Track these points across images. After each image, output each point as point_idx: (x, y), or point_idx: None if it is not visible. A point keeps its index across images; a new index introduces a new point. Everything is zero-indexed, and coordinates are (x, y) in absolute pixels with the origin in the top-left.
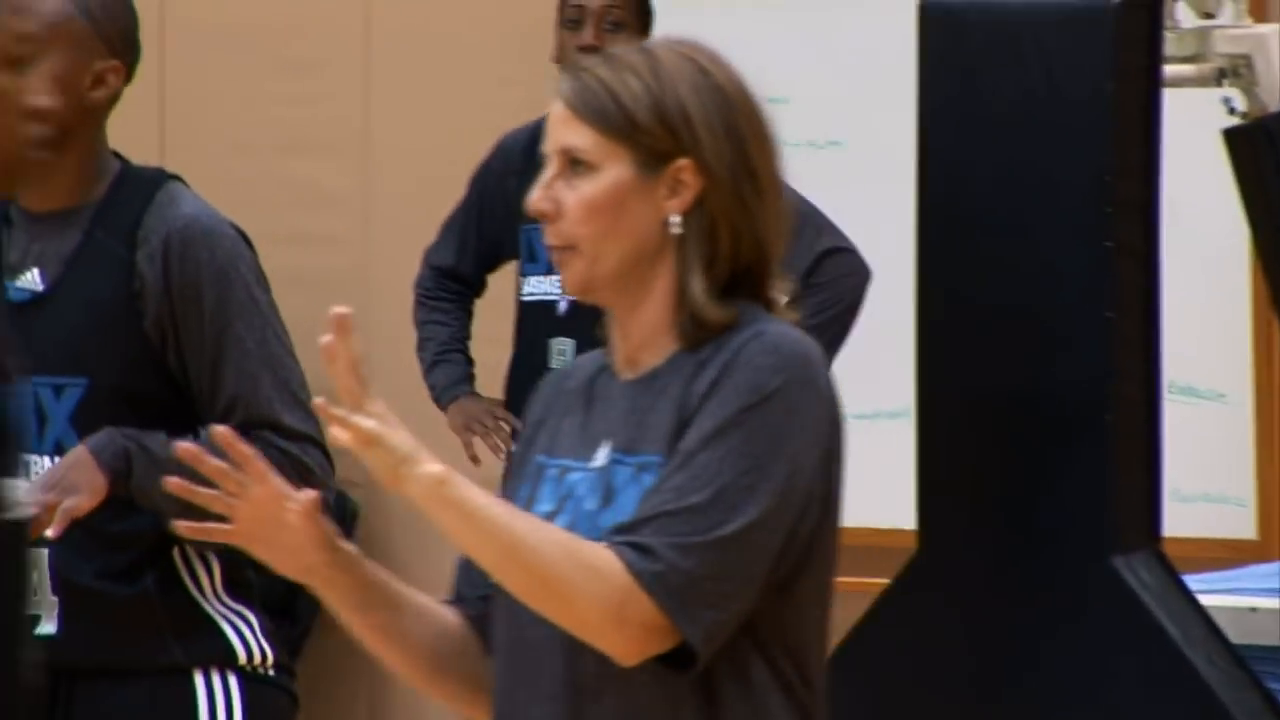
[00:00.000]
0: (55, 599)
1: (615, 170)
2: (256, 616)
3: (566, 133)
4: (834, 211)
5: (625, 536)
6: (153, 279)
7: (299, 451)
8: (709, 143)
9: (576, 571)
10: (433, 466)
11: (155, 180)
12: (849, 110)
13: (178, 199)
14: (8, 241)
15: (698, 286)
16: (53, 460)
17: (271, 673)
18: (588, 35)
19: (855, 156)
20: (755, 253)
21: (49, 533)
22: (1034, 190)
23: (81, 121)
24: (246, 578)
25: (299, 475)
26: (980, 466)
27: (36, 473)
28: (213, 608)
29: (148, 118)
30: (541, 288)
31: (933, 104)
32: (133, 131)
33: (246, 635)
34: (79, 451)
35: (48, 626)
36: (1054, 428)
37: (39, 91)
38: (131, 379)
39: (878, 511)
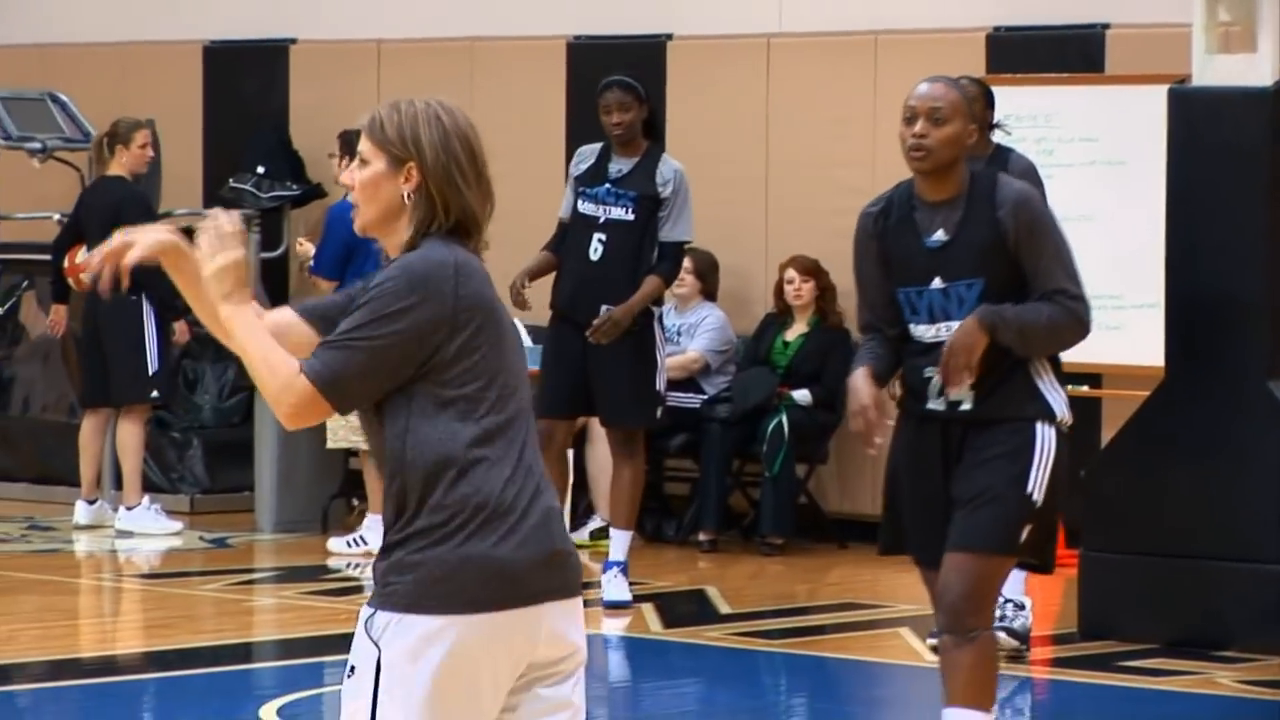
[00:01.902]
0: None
1: (377, 165)
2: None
3: (361, 141)
4: None
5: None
6: (1009, 226)
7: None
8: (429, 153)
9: (264, 370)
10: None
11: (990, 175)
12: None
13: (1011, 183)
14: (922, 221)
15: (410, 232)
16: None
17: (1066, 430)
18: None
19: None
20: (461, 214)
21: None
22: None
23: (967, 150)
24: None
25: (1077, 323)
26: (1198, 331)
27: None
28: (1044, 386)
29: None
30: None
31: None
32: None
33: (1057, 403)
34: (969, 321)
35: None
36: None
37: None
38: (1004, 278)
39: (1147, 357)
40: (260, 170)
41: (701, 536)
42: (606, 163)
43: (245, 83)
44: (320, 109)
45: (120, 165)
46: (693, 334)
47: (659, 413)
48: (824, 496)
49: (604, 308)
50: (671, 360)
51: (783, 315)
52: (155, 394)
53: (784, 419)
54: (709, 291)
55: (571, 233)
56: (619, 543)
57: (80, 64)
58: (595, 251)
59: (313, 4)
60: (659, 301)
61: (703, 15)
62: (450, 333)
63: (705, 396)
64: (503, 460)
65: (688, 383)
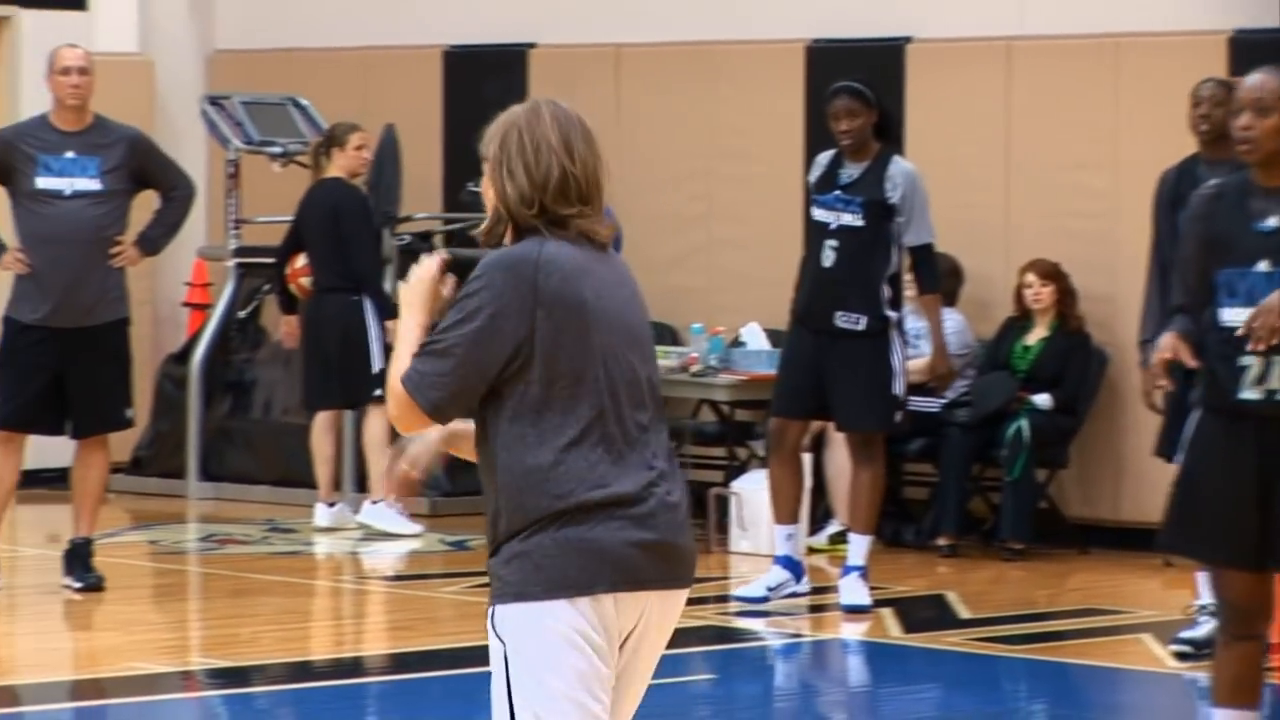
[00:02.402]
0: None
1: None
2: None
3: None
4: None
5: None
6: None
7: None
8: (489, 150)
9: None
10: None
11: None
12: None
13: None
14: (1256, 206)
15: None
16: None
17: None
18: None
19: None
20: (519, 205)
21: None
22: None
23: None
24: None
25: None
26: None
27: None
28: None
29: None
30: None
31: None
32: None
33: None
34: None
35: None
36: None
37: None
38: None
39: None
40: None
41: (941, 541)
42: (838, 169)
43: (485, 87)
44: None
45: (337, 167)
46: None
47: (898, 417)
48: (1064, 501)
49: (839, 315)
50: (911, 365)
51: (1023, 319)
52: (379, 392)
53: (1024, 423)
54: (946, 296)
55: (809, 240)
56: (858, 547)
57: (321, 69)
58: (828, 258)
59: (552, 8)
60: (897, 305)
61: (943, 18)
62: (532, 328)
63: (944, 401)
64: (594, 455)
65: (927, 387)
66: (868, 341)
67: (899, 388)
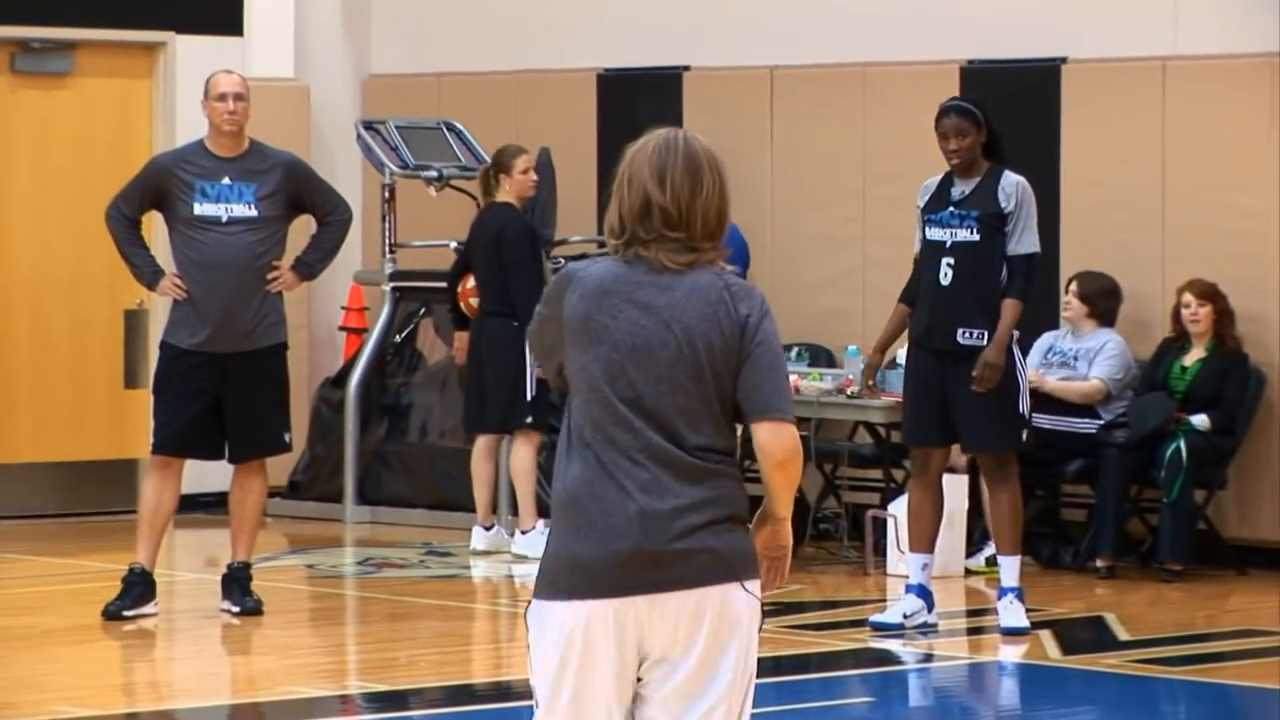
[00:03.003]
0: None
1: None
2: None
3: None
4: None
5: None
6: None
7: None
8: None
9: None
10: None
11: None
12: None
13: None
14: None
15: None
16: None
17: None
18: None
19: None
20: (609, 226)
21: None
22: None
23: None
24: None
25: None
26: None
27: None
28: None
29: None
30: None
31: None
32: None
33: None
34: None
35: None
36: None
37: None
38: None
39: None
40: None
41: (1099, 563)
42: (949, 188)
43: (639, 110)
44: (715, 137)
45: (506, 193)
46: (1091, 360)
47: (1025, 435)
48: (1223, 522)
49: (961, 331)
50: (1072, 387)
51: (1180, 340)
52: (529, 419)
53: (1182, 444)
54: (1104, 316)
55: (923, 261)
56: (1009, 569)
57: (475, 92)
58: (945, 276)
59: (706, 31)
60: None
61: (1097, 38)
62: (559, 338)
63: (1102, 421)
64: (586, 465)
65: (1084, 408)
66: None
67: (1025, 405)
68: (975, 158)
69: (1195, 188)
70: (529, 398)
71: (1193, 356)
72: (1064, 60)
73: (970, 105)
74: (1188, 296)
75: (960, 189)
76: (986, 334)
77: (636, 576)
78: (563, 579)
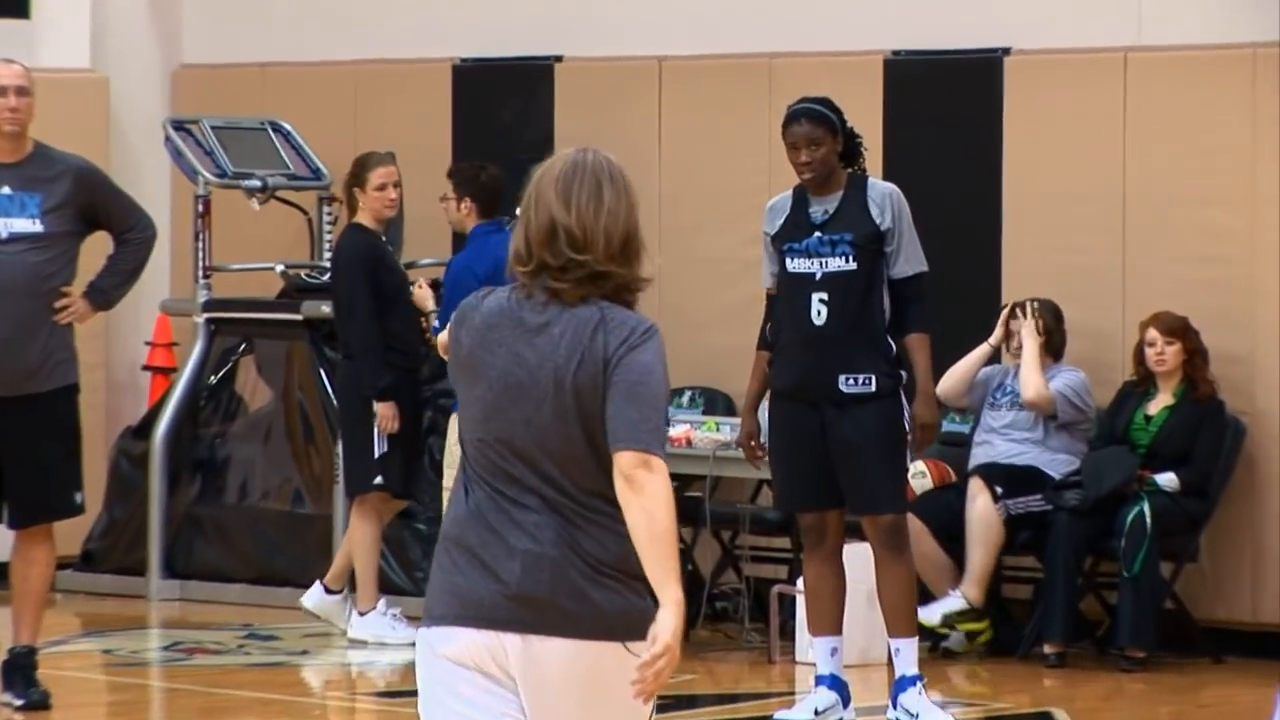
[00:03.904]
0: None
1: None
2: None
3: None
4: None
5: None
6: None
7: None
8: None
9: None
10: None
11: None
12: None
13: None
14: None
15: None
16: None
17: None
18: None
19: None
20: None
21: None
22: None
23: None
24: None
25: None
26: None
27: None
28: None
29: None
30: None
31: None
32: None
33: None
34: None
35: None
36: None
37: None
38: None
39: None
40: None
41: (1047, 649)
42: (805, 208)
43: (503, 108)
44: (593, 140)
45: (363, 212)
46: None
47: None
48: (1194, 601)
49: (843, 378)
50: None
51: (1144, 384)
52: (377, 480)
53: (1146, 508)
54: (1052, 350)
55: (785, 299)
56: (908, 655)
57: (308, 87)
58: (819, 314)
59: (583, 14)
60: (901, 361)
61: (1046, 26)
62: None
63: (1051, 480)
64: (474, 504)
65: (1031, 476)
66: (877, 405)
67: (909, 458)
68: (833, 168)
69: (1162, 203)
70: (376, 455)
71: (1158, 404)
72: (1006, 51)
73: (823, 107)
74: (1152, 333)
75: (821, 208)
76: (875, 379)
77: (512, 613)
78: (439, 607)
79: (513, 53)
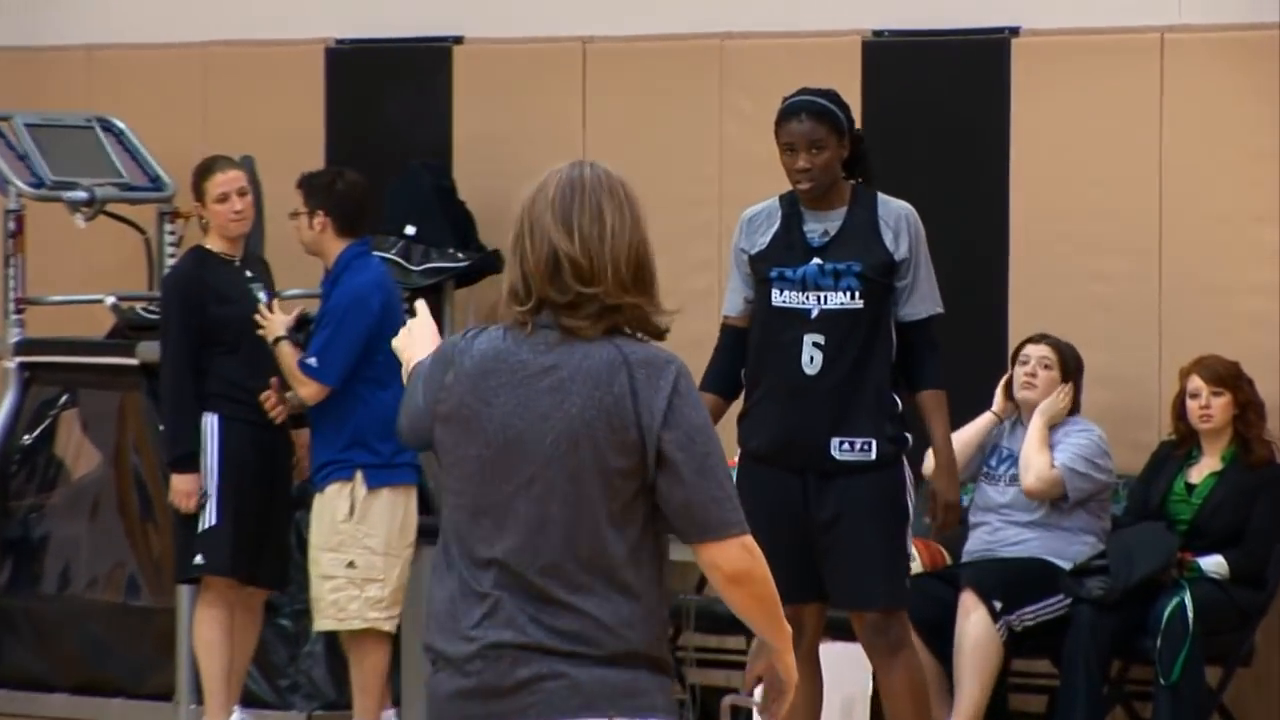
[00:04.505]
0: None
1: None
2: None
3: None
4: None
5: None
6: None
7: None
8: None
9: None
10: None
11: None
12: None
13: None
14: None
15: None
16: None
17: None
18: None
19: None
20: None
21: None
22: None
23: None
24: None
25: None
26: None
27: None
28: None
29: None
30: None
31: None
32: None
33: None
34: None
35: None
36: None
37: None
38: None
39: None
40: (409, 231)
41: None
42: (799, 226)
43: (388, 100)
44: (498, 137)
45: (204, 231)
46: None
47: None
48: (1245, 711)
49: (836, 441)
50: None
51: (1185, 445)
52: (199, 559)
53: (1187, 599)
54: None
55: (765, 337)
56: None
57: (145, 75)
58: (811, 362)
59: None
60: (904, 421)
61: (1063, 2)
62: (434, 430)
63: (1066, 566)
64: (445, 578)
65: (1040, 576)
66: (875, 476)
67: (910, 543)
68: (835, 178)
69: (1207, 219)
70: (205, 526)
71: (1203, 469)
72: (1014, 31)
73: (828, 102)
74: (1196, 382)
75: (819, 228)
76: (875, 444)
77: (474, 710)
78: (432, 710)
79: (401, 33)
